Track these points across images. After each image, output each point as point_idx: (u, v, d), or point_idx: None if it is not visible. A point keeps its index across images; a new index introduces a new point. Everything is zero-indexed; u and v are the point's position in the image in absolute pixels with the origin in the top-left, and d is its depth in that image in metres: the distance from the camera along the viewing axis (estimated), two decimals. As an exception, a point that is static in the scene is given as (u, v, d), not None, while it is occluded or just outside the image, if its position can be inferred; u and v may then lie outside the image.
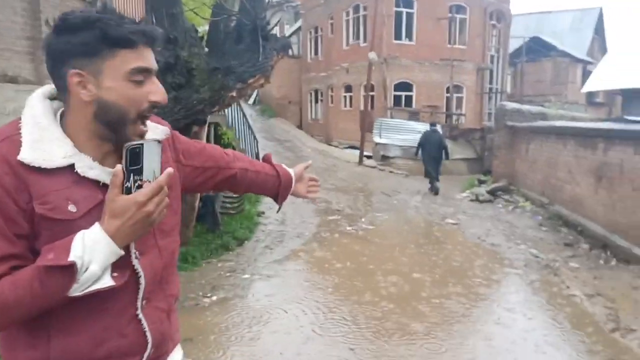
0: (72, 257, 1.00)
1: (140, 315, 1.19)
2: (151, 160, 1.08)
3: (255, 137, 13.31)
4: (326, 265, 6.94)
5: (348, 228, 9.02)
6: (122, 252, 1.07)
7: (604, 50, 26.73)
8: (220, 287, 5.98)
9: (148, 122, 1.18)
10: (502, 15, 22.82)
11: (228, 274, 6.50)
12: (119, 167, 1.05)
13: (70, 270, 1.01)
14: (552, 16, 30.64)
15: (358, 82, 21.12)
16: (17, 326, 1.10)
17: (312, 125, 27.24)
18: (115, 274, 1.09)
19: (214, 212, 8.16)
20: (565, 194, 8.80)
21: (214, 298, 5.62)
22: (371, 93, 20.01)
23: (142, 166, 1.07)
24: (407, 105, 20.44)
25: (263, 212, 10.03)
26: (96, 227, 1.05)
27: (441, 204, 11.37)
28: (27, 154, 1.05)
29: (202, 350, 4.34)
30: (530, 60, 26.27)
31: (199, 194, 7.60)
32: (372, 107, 20.35)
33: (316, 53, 26.80)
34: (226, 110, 11.74)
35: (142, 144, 1.08)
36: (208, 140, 10.56)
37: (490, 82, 22.93)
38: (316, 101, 27.35)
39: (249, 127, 13.00)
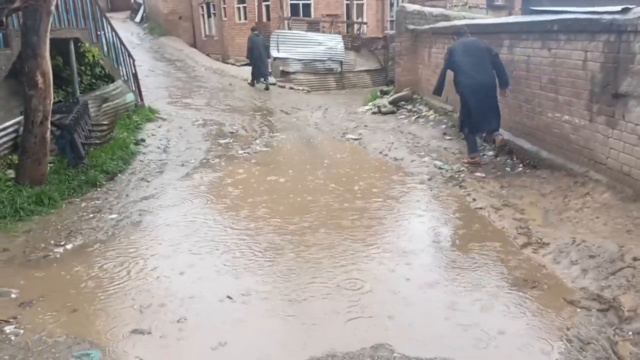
0: None
1: None
2: None
3: (130, 55, 11.51)
4: (211, 195, 5.99)
5: (240, 152, 8.04)
6: None
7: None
8: (78, 232, 4.95)
9: None
10: None
11: (91, 215, 5.42)
12: None
13: None
14: None
15: (252, -9, 19.25)
16: None
17: (206, 42, 25.02)
18: None
19: (74, 142, 6.79)
20: (469, 99, 8.29)
21: (69, 246, 4.65)
22: (265, 3, 18.32)
23: None
24: (305, 15, 19.01)
25: (143, 140, 8.76)
26: None
27: (342, 118, 10.62)
28: None
29: (43, 314, 3.43)
30: (431, -36, 25.37)
31: (48, 122, 6.21)
32: (268, 18, 18.74)
33: (205, -40, 24.06)
34: (94, 24, 9.90)
35: None
36: (68, 59, 8.83)
37: (392, -12, 21.88)
38: (209, 15, 24.94)
39: (121, 42, 11.16)
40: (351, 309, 3.33)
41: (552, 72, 5.71)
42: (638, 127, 4.30)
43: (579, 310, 3.17)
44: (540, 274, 3.66)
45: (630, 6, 4.52)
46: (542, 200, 4.95)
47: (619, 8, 4.58)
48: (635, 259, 3.41)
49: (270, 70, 15.59)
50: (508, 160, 6.46)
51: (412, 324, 3.17)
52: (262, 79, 15.03)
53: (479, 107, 6.41)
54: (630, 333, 2.86)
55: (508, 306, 3.29)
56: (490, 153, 6.90)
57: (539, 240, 4.10)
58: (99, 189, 6.26)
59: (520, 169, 6.08)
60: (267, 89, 14.76)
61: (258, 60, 14.84)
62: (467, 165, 6.45)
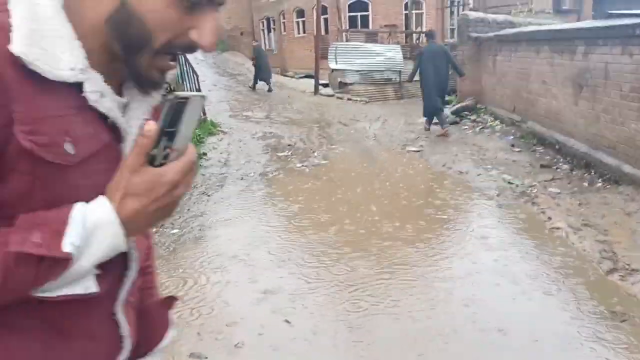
0: (67, 246, 0.65)
1: (118, 315, 0.83)
2: (189, 122, 0.71)
3: (194, 71, 11.83)
4: (270, 209, 5.92)
5: (298, 165, 7.97)
6: (126, 248, 0.73)
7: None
8: (142, 249, 4.91)
9: None
10: None
11: (154, 230, 5.41)
12: (152, 125, 0.67)
13: (59, 263, 0.66)
14: None
15: (310, 5, 19.41)
16: None
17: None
18: (98, 271, 0.73)
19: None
20: (540, 109, 7.84)
21: (132, 263, 4.58)
22: (324, 16, 18.43)
23: (177, 129, 0.69)
24: (363, 26, 18.94)
25: (205, 154, 8.89)
26: (103, 204, 0.69)
27: (402, 130, 10.36)
28: (24, 46, 0.64)
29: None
30: (493, -31, 24.67)
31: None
32: (326, 31, 18.85)
33: (264, -24, 24.62)
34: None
35: (187, 98, 0.68)
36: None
37: (452, -4, 21.48)
38: (269, 30, 25.49)
39: (186, 59, 11.47)
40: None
41: (635, 79, 5.25)
42: None
43: (680, 349, 2.80)
44: (631, 305, 3.28)
45: None
46: (628, 220, 4.50)
47: None
48: None
49: (328, 81, 17.08)
50: (585, 175, 5.99)
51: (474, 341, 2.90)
52: (266, 83, 17.14)
53: (430, 99, 9.32)
54: None
55: (595, 343, 2.95)
56: (565, 167, 6.45)
57: (627, 266, 3.70)
58: (161, 204, 6.34)
59: (600, 184, 5.61)
60: (270, 90, 16.96)
61: (265, 67, 16.99)
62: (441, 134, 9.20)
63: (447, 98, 13.05)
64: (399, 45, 17.20)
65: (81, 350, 0.79)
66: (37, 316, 0.74)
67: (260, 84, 17.49)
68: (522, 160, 7.04)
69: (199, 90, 11.80)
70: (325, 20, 18.95)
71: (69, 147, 0.69)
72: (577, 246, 4.21)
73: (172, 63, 0.78)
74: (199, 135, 10.06)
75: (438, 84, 9.20)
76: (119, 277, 0.83)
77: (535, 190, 5.72)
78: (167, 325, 1.07)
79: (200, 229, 5.38)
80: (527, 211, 5.16)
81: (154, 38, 0.73)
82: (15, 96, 0.65)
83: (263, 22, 25.83)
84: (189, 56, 12.16)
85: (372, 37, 18.15)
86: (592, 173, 5.92)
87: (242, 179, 7.35)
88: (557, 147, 6.98)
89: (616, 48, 5.58)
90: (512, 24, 10.80)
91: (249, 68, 23.51)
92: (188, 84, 11.39)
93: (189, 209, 6.09)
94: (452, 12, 21.38)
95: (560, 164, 6.53)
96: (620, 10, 6.85)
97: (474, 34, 10.78)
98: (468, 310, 3.38)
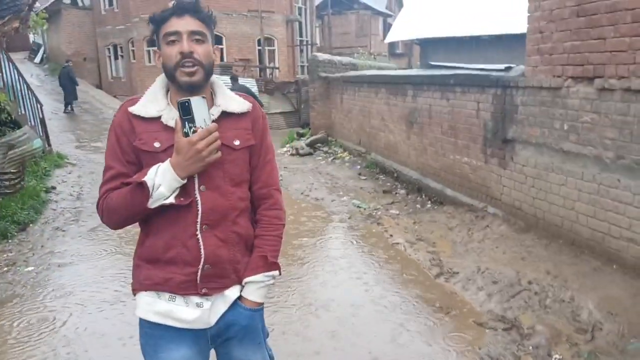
0: (145, 178, 1.51)
1: (199, 236, 1.61)
2: (200, 111, 1.48)
3: (37, 100, 11.10)
4: (132, 241, 5.92)
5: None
6: (182, 181, 1.53)
7: (400, 4, 28.72)
8: (-7, 288, 4.64)
9: (234, 96, 1.70)
10: (307, -34, 22.76)
11: (5, 269, 5.16)
12: (177, 117, 1.50)
13: (144, 187, 1.51)
14: (353, -30, 31.71)
15: (163, 35, 19.27)
16: (140, 230, 1.69)
17: (113, 84, 24.47)
18: (181, 198, 1.56)
19: (-19, 194, 6.45)
20: (380, 142, 8.96)
21: (-15, 303, 4.33)
22: (178, 46, 18.42)
23: (192, 116, 1.47)
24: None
25: (54, 187, 8.43)
26: (167, 161, 1.53)
27: (261, 161, 10.90)
28: (136, 108, 1.60)
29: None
30: (336, 13, 27.02)
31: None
32: (180, 62, 18.84)
33: (111, 4, 23.80)
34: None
35: (189, 99, 1.47)
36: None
37: (301, 35, 22.98)
38: (116, 57, 24.54)
39: (28, 87, 10.74)
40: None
41: (452, 119, 6.43)
42: (524, 168, 5.00)
43: (487, 330, 3.62)
44: (453, 300, 4.10)
45: (512, 65, 5.32)
46: (450, 234, 5.52)
47: (502, 67, 5.37)
48: (529, 282, 3.97)
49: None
50: (418, 198, 7.06)
51: (336, 346, 3.43)
52: (69, 106, 17.66)
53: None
54: (531, 347, 3.34)
55: (426, 331, 3.67)
56: (403, 192, 7.50)
57: (450, 270, 4.58)
58: (9, 241, 5.96)
59: (429, 205, 6.69)
60: (70, 111, 17.64)
61: (64, 88, 17.59)
62: None
63: (302, 131, 14.14)
64: (253, 79, 17.90)
65: (180, 251, 1.61)
66: (161, 228, 1.61)
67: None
68: (368, 187, 7.99)
69: (42, 120, 11.10)
70: (179, 51, 18.97)
71: (157, 144, 1.57)
72: (413, 257, 5.05)
73: (187, 70, 1.56)
74: (45, 168, 9.48)
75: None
76: (196, 215, 1.59)
77: (380, 212, 6.60)
78: (255, 271, 1.71)
79: (59, 266, 5.22)
80: (374, 230, 5.96)
81: (172, 67, 1.57)
82: (135, 126, 1.60)
83: (109, 49, 24.80)
84: (30, 81, 11.41)
85: (227, 70, 18.59)
86: (423, 196, 7.02)
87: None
88: (395, 175, 8.06)
89: (436, 93, 6.77)
90: (354, 66, 12.09)
91: (94, 96, 22.29)
92: (31, 113, 10.65)
93: (42, 246, 5.84)
94: (301, 50, 22.85)
95: (398, 189, 7.57)
96: (439, 62, 8.26)
97: (323, 74, 11.83)
98: (324, 296, 3.93)
